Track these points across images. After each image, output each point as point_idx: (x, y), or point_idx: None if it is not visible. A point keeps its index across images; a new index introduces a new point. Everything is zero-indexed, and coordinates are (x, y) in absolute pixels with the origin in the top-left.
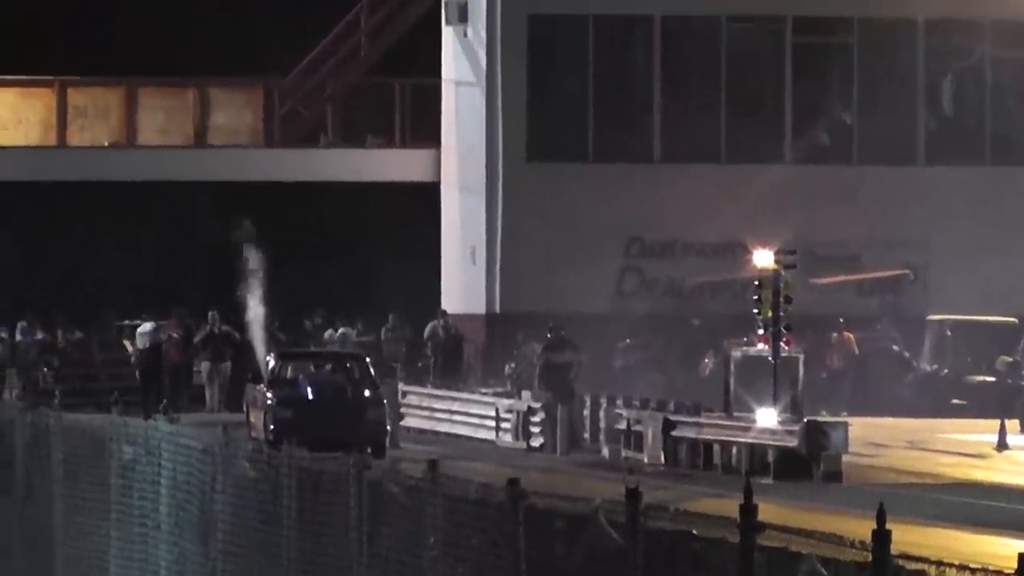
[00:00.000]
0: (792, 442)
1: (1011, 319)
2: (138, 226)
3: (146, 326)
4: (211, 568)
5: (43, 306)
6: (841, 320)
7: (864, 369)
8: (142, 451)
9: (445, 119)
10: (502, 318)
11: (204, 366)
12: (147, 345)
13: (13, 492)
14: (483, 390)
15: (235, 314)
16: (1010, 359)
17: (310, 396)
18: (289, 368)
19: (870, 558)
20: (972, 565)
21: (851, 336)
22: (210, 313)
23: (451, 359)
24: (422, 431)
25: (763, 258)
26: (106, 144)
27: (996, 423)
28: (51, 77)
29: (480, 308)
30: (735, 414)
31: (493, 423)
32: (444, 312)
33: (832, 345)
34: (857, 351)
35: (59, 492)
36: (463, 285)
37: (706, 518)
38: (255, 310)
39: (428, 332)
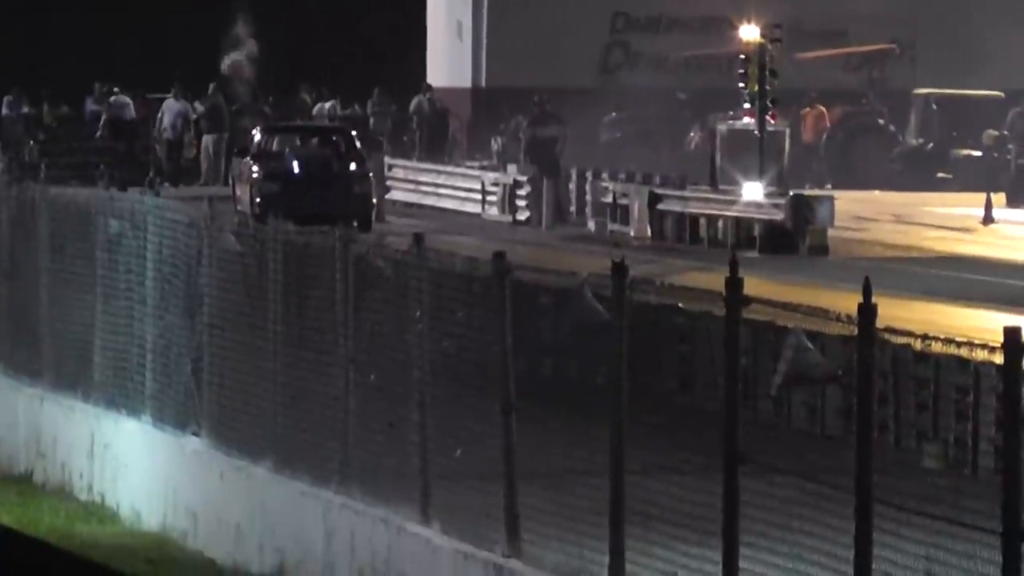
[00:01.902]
0: (778, 216)
1: (997, 93)
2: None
3: (122, 99)
4: (196, 342)
5: (29, 79)
6: (814, 94)
7: (849, 142)
8: (128, 225)
9: None
10: (488, 92)
11: (208, 139)
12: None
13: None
14: (469, 163)
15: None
16: (996, 133)
17: (296, 170)
18: (275, 142)
19: (856, 332)
20: (958, 338)
21: (824, 110)
22: (211, 85)
23: (436, 133)
24: (408, 204)
25: (749, 32)
26: None
27: (982, 197)
28: None
29: (466, 82)
30: (721, 187)
31: (479, 196)
32: (429, 86)
33: (803, 118)
34: (829, 125)
35: (44, 266)
36: (449, 59)
37: (692, 291)
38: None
39: (413, 106)
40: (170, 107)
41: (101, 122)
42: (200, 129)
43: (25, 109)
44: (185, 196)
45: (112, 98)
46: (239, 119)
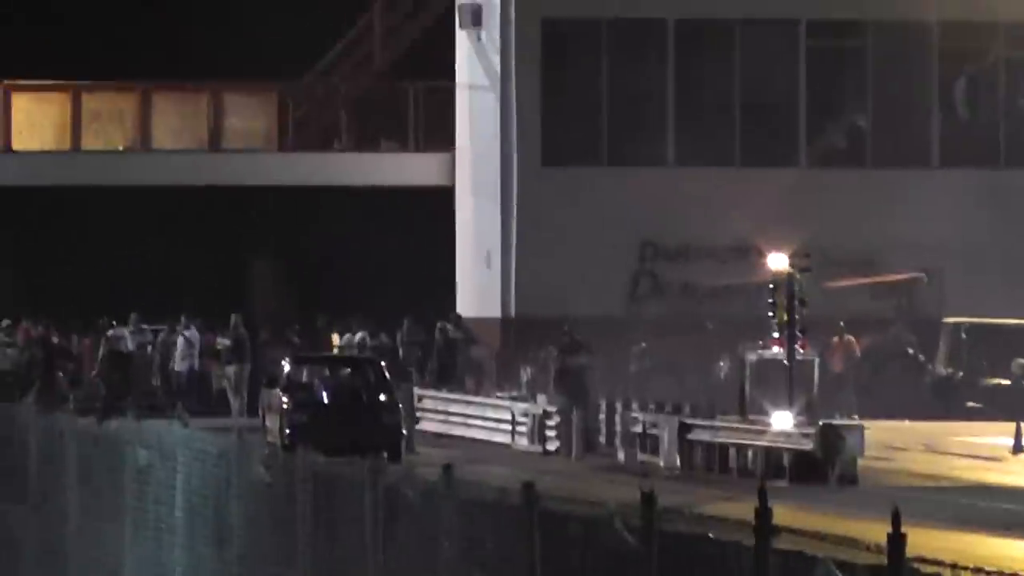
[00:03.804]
0: (807, 445)
1: None
2: (152, 230)
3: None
4: (226, 573)
5: (58, 311)
6: (841, 323)
7: (878, 372)
8: (157, 455)
9: (459, 123)
10: (517, 322)
11: (231, 370)
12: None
13: (28, 499)
14: (499, 394)
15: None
16: None
17: (325, 400)
18: (304, 372)
19: (885, 561)
20: (988, 568)
21: (852, 339)
22: (233, 316)
23: (446, 363)
24: (438, 435)
25: (777, 261)
26: (121, 148)
27: (1012, 426)
28: (66, 82)
29: (495, 312)
30: (750, 417)
31: (509, 427)
32: (456, 316)
33: (832, 348)
34: (858, 353)
35: (73, 497)
36: (478, 289)
37: (721, 521)
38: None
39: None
40: (183, 336)
41: (100, 355)
42: (224, 360)
43: (55, 340)
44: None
45: (110, 332)
46: (266, 350)
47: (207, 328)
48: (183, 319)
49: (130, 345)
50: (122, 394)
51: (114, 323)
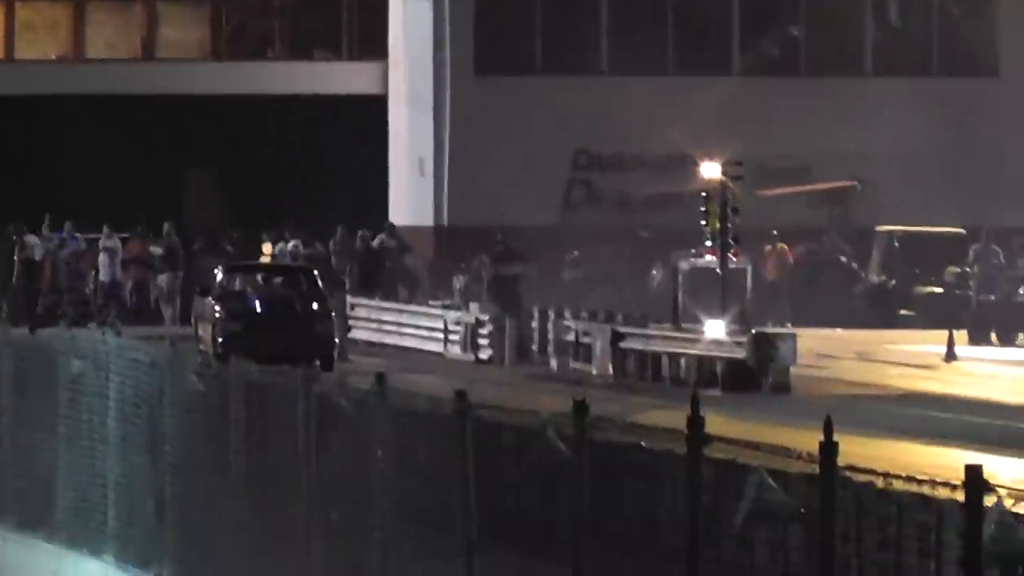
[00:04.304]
0: (740, 354)
1: (959, 230)
2: (86, 140)
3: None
4: (159, 481)
5: None
6: (775, 232)
7: (812, 280)
8: (90, 365)
9: (392, 32)
10: (450, 231)
11: (163, 279)
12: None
13: None
14: (432, 302)
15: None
16: (958, 270)
17: (258, 309)
18: (237, 281)
19: (818, 470)
20: (920, 476)
21: (786, 247)
22: (166, 225)
23: (369, 271)
24: (371, 344)
25: (711, 170)
26: (54, 58)
27: (944, 334)
28: None
29: (429, 221)
30: (683, 326)
31: (442, 336)
32: (389, 225)
33: (765, 256)
34: (792, 262)
35: (6, 406)
36: (411, 198)
37: (654, 430)
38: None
39: (376, 244)
40: (105, 247)
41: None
42: (156, 269)
43: None
44: (146, 336)
45: (26, 237)
46: (199, 258)
47: (140, 237)
48: (105, 229)
49: (38, 254)
50: (32, 302)
51: (25, 230)
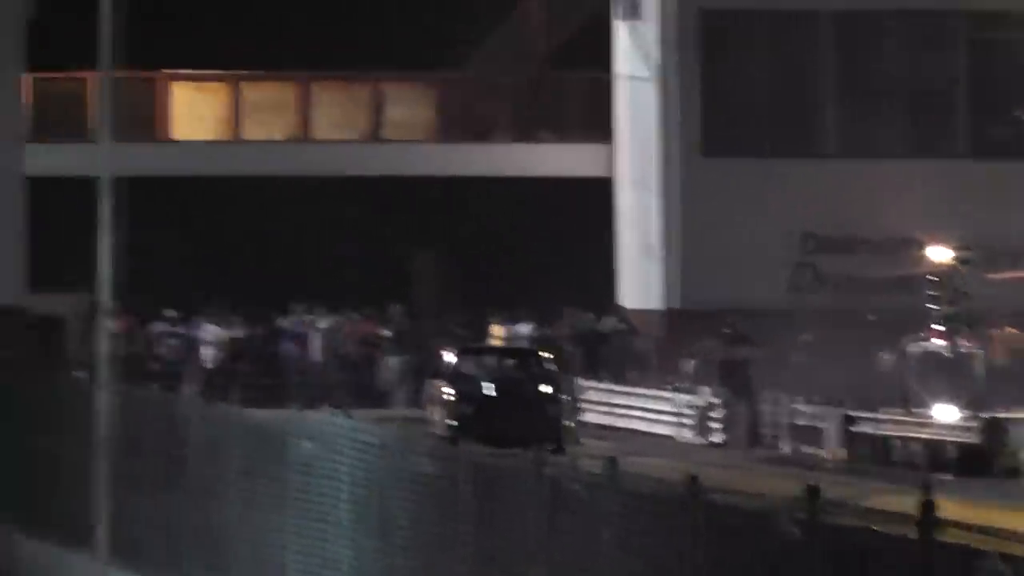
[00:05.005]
0: (972, 438)
1: None
2: (312, 221)
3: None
4: (389, 564)
5: (220, 301)
6: (1005, 316)
7: None
8: (320, 447)
9: (618, 114)
10: (679, 313)
11: (393, 361)
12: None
13: (190, 489)
14: (662, 385)
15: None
16: None
17: (489, 392)
18: (468, 364)
19: None
20: None
21: (1017, 331)
22: (395, 307)
23: (596, 355)
24: (601, 427)
25: (939, 253)
26: (281, 139)
27: None
28: (226, 72)
29: (656, 303)
30: (913, 410)
31: (672, 419)
32: (618, 308)
33: (995, 340)
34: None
35: (236, 488)
36: (639, 280)
37: (886, 515)
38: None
39: (606, 328)
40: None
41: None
42: (386, 351)
43: (217, 330)
44: (376, 418)
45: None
46: (429, 341)
47: (369, 318)
48: (314, 311)
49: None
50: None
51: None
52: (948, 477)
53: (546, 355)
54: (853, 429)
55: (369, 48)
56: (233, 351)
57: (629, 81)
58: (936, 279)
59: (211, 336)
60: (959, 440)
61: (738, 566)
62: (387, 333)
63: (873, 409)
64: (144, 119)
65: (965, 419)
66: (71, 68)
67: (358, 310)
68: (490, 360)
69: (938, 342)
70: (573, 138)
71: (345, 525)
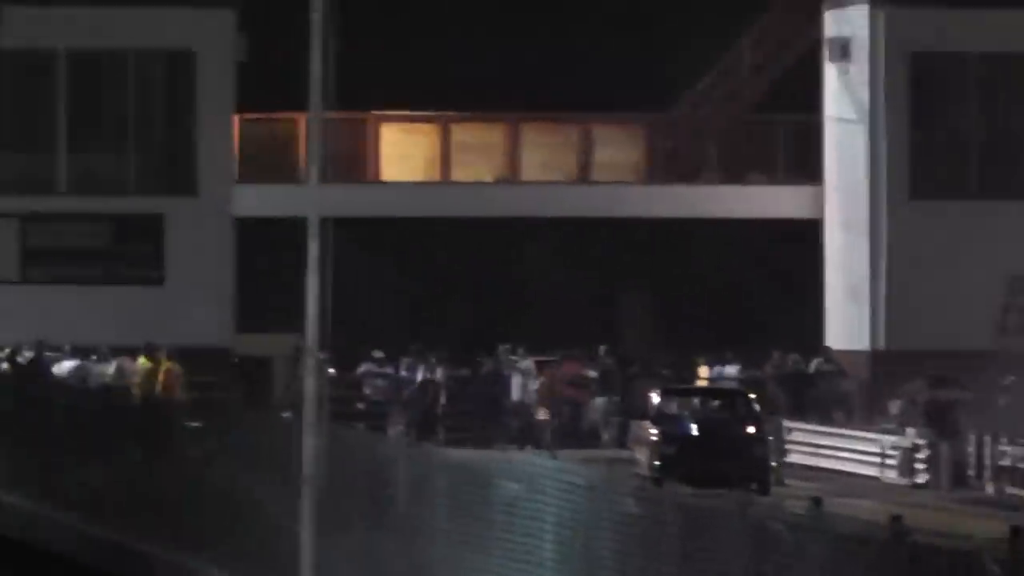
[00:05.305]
0: None
1: None
2: (520, 262)
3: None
4: None
5: (426, 343)
6: None
7: None
8: (525, 488)
9: (827, 156)
10: (885, 355)
11: (599, 402)
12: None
13: (395, 528)
14: (868, 427)
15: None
16: None
17: (694, 432)
18: (674, 404)
19: None
20: None
21: None
22: (601, 348)
23: (802, 396)
24: (807, 468)
25: None
26: (490, 180)
27: None
28: (434, 113)
29: (863, 345)
30: None
31: (878, 460)
32: (825, 349)
33: None
34: None
35: (440, 528)
36: (846, 322)
37: None
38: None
39: (813, 368)
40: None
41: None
42: (592, 392)
43: (423, 372)
44: (582, 459)
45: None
46: (635, 382)
47: (575, 359)
48: (519, 352)
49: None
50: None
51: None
52: None
53: (751, 396)
54: None
55: (578, 89)
56: (438, 392)
57: (838, 123)
58: None
59: (418, 377)
60: None
61: None
62: (593, 374)
63: None
64: (353, 160)
65: None
66: (280, 110)
67: (565, 351)
68: (695, 401)
69: None
70: (781, 180)
71: (549, 566)
